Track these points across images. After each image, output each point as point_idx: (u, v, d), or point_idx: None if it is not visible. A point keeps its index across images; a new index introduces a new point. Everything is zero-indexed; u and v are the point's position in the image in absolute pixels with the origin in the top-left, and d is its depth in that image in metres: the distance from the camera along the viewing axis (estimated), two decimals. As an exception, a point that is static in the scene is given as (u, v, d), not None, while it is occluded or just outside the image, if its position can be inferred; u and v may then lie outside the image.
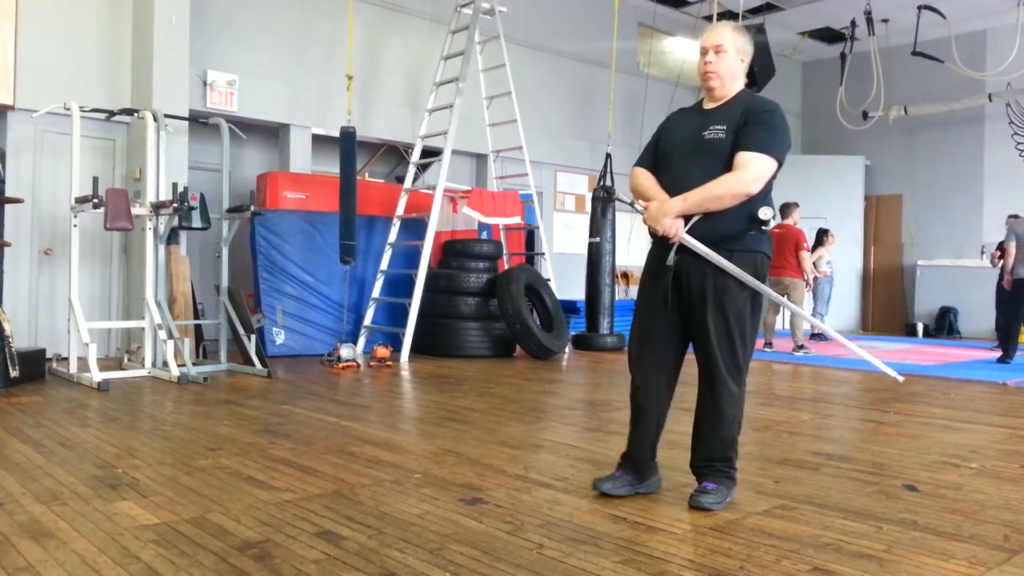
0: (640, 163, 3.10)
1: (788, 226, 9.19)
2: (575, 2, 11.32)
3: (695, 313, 2.90)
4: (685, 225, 2.85)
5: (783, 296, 8.96)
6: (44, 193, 7.20)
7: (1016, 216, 9.42)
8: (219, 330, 6.84)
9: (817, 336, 10.68)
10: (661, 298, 2.93)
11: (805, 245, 9.08)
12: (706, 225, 2.83)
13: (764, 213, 2.84)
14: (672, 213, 2.84)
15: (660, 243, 2.96)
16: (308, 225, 8.02)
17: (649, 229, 2.95)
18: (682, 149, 2.95)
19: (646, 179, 3.02)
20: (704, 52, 2.96)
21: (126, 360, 6.65)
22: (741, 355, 2.89)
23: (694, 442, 2.99)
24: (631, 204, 3.03)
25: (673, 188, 2.89)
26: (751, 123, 2.82)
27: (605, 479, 3.03)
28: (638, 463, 3.03)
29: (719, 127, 2.87)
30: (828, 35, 13.46)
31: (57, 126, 6.97)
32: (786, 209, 9.34)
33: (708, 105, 3.00)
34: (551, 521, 2.72)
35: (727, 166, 2.82)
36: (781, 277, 9.06)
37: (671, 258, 2.88)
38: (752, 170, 2.78)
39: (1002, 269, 8.61)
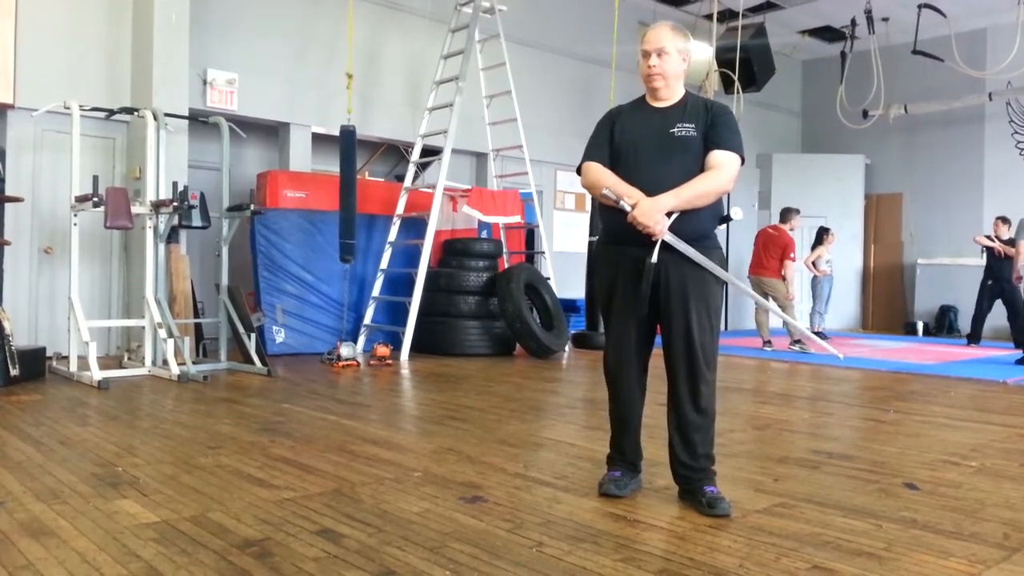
0: (595, 158, 2.99)
1: (782, 229, 9.18)
2: (575, 1, 11.31)
3: (674, 311, 2.86)
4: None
5: (765, 297, 8.97)
6: (44, 192, 7.19)
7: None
8: (219, 329, 6.85)
9: (816, 334, 10.69)
10: (643, 301, 2.83)
11: (792, 255, 9.04)
12: (684, 222, 2.83)
13: (736, 213, 2.99)
14: (665, 210, 2.79)
15: (632, 241, 2.85)
16: (308, 224, 8.01)
17: (626, 226, 2.82)
18: (649, 147, 2.91)
19: (612, 175, 2.91)
20: (647, 55, 2.97)
21: (126, 359, 6.65)
22: (712, 349, 2.91)
23: (683, 447, 2.88)
24: (616, 202, 2.86)
25: (648, 185, 2.82)
26: (718, 124, 2.88)
27: (608, 482, 3.02)
28: (634, 459, 3.08)
29: (688, 125, 2.88)
30: (828, 34, 13.45)
31: (57, 125, 6.96)
32: (786, 214, 9.34)
33: (657, 104, 2.99)
34: (551, 519, 2.72)
35: (699, 162, 2.85)
36: (760, 277, 9.04)
37: (655, 256, 2.81)
38: (730, 169, 2.86)
39: (1007, 266, 8.73)
